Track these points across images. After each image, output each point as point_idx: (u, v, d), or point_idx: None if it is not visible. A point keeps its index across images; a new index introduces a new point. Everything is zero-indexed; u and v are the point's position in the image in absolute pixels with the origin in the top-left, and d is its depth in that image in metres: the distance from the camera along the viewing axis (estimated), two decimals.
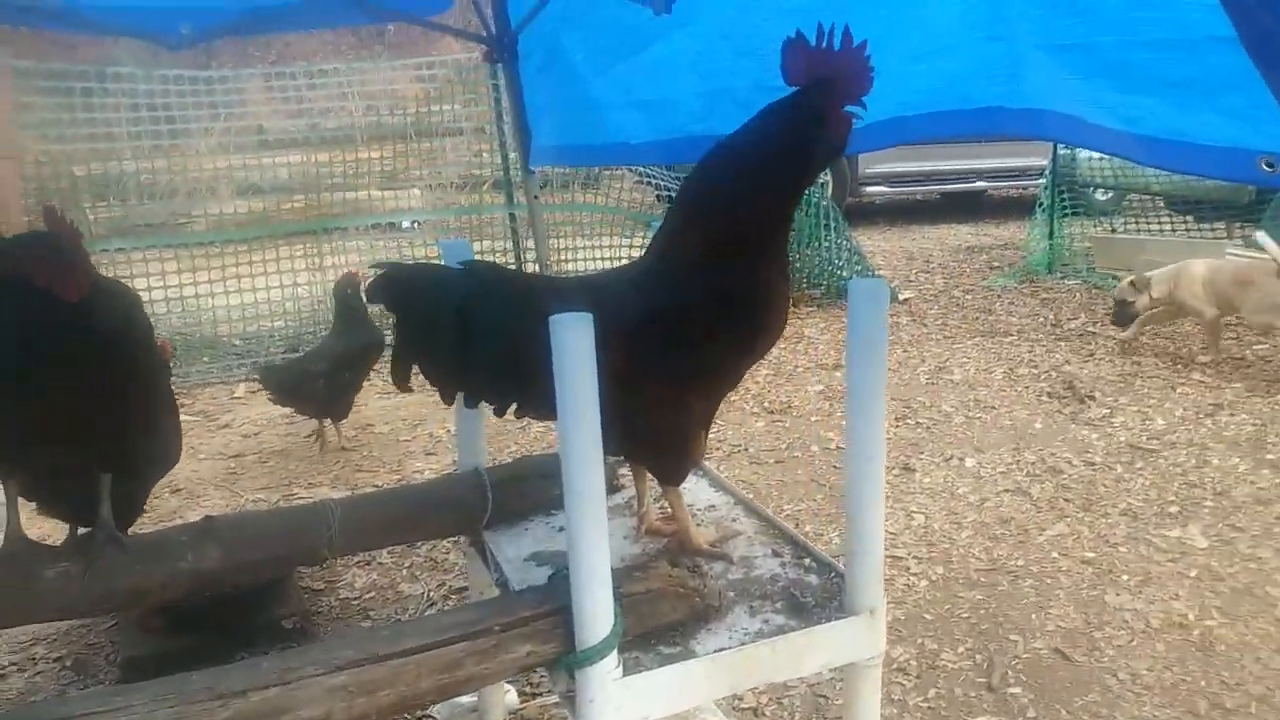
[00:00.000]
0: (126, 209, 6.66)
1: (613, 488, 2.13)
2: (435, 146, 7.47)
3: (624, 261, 7.06)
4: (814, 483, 3.96)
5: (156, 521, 3.48)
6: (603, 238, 7.42)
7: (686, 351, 1.62)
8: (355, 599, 3.17)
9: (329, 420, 4.60)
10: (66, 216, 1.61)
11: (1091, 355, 5.66)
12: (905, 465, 4.08)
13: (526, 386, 1.68)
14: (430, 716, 2.39)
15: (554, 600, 1.48)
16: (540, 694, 2.54)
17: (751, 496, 2.11)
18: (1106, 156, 8.44)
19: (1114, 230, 9.01)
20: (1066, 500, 3.69)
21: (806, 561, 1.79)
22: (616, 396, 1.40)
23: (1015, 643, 2.74)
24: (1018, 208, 11.87)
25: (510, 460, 2.25)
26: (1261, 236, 5.37)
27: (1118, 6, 1.60)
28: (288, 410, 4.80)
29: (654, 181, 8.00)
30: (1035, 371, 5.42)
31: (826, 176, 10.23)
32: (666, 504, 1.89)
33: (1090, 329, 6.23)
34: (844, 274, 7.37)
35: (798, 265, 7.27)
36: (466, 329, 1.69)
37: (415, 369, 1.74)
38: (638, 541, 1.90)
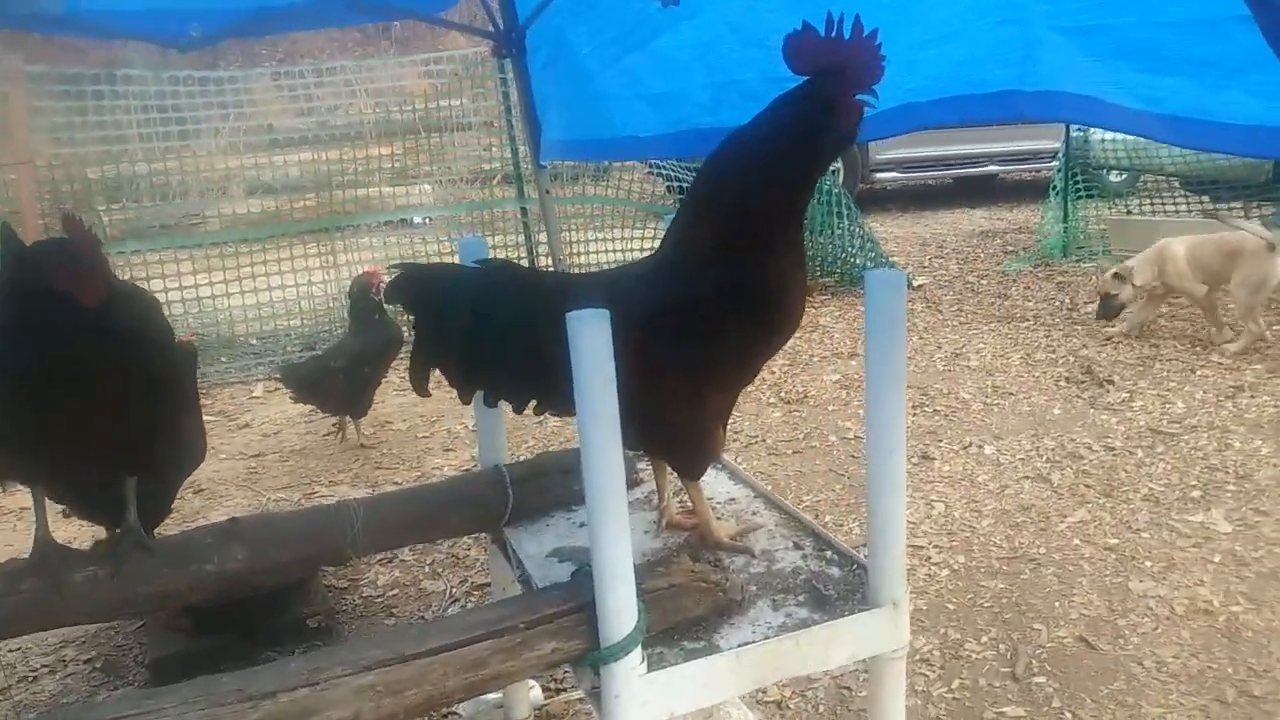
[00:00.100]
0: (140, 210, 6.69)
1: (632, 482, 2.13)
2: (444, 142, 7.47)
3: (636, 253, 7.08)
4: (832, 473, 3.96)
5: (180, 522, 3.50)
6: (614, 230, 7.42)
7: (702, 345, 1.62)
8: (379, 597, 3.18)
9: (349, 416, 4.63)
10: (84, 222, 1.61)
11: (1109, 339, 5.62)
12: (924, 454, 4.07)
13: (545, 384, 1.69)
14: (456, 714, 2.41)
15: (577, 597, 1.48)
16: (565, 689, 2.55)
17: (770, 488, 2.12)
18: (1120, 138, 8.38)
19: (1129, 212, 8.93)
20: (1087, 486, 3.66)
21: (828, 554, 1.79)
22: (634, 392, 1.40)
23: (1039, 631, 2.73)
24: (1031, 191, 11.79)
25: (529, 455, 2.26)
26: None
27: None
28: (307, 409, 4.83)
29: (664, 172, 7.99)
30: (1053, 356, 5.39)
31: (838, 164, 10.19)
32: (687, 498, 1.89)
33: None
34: (857, 261, 7.34)
35: (811, 253, 7.24)
36: (484, 328, 1.70)
37: (435, 371, 1.74)
38: (659, 536, 1.90)
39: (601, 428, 1.33)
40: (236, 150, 7.26)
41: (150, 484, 2.01)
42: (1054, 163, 9.06)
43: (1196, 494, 3.53)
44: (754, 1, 2.31)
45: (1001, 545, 3.24)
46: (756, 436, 4.42)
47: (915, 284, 7.40)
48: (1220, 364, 5.01)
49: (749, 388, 1.79)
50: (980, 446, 4.14)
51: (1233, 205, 8.30)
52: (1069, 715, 2.37)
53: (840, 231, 7.37)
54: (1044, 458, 3.97)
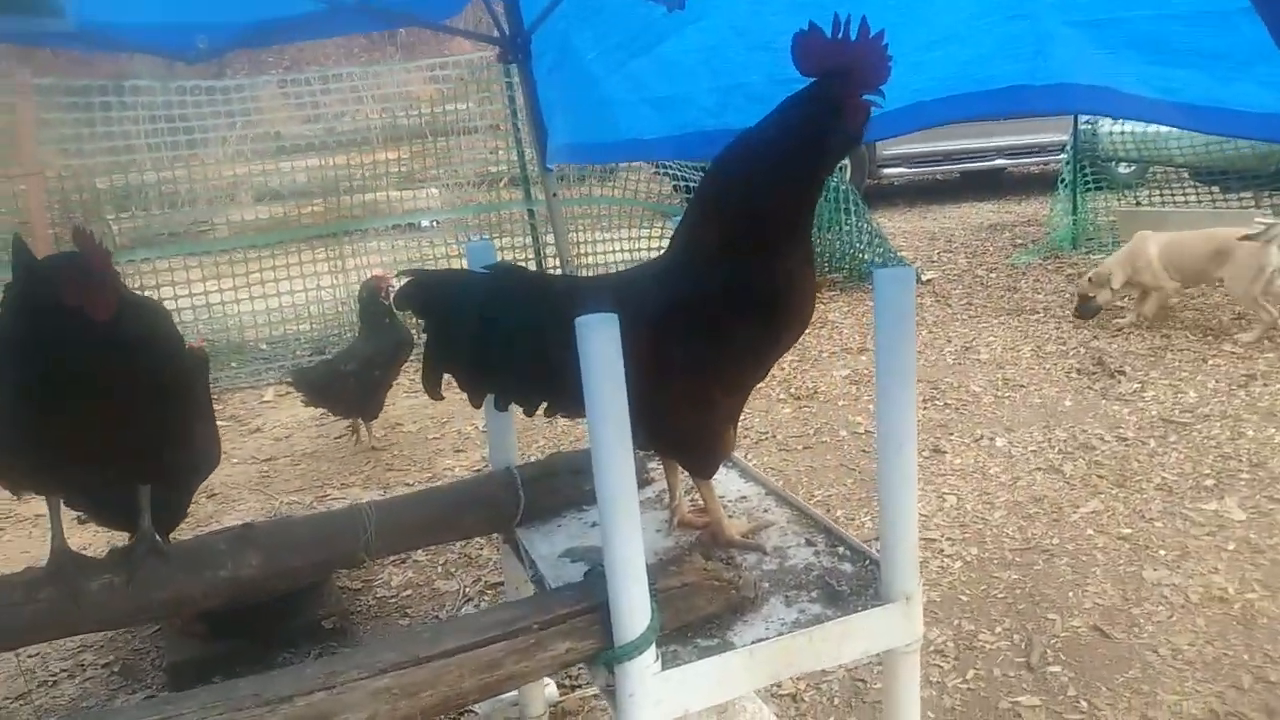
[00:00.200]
0: (149, 219, 6.73)
1: (643, 481, 2.13)
2: (451, 145, 7.49)
3: (644, 253, 7.09)
4: (843, 468, 3.96)
5: (194, 527, 3.53)
6: (621, 230, 7.42)
7: (712, 345, 1.62)
8: (392, 597, 3.20)
9: (361, 419, 4.65)
10: (94, 235, 1.62)
11: (1120, 330, 5.60)
12: (935, 447, 4.07)
13: (555, 387, 1.70)
14: (472, 712, 2.42)
15: (590, 597, 1.49)
16: (580, 686, 2.56)
17: (781, 484, 2.12)
18: (1128, 130, 8.35)
19: (1138, 203, 8.89)
20: (1100, 477, 3.66)
21: (840, 550, 1.79)
22: (645, 392, 1.40)
23: (1053, 621, 2.73)
24: (1039, 184, 11.75)
25: (540, 455, 2.26)
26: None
27: None
28: (318, 412, 4.86)
29: (671, 172, 7.99)
30: (1063, 348, 5.37)
31: (845, 160, 10.16)
32: (698, 496, 1.90)
33: (1118, 303, 6.16)
34: (865, 257, 7.33)
35: (819, 250, 7.23)
36: (493, 332, 1.71)
37: (446, 376, 1.76)
38: (671, 535, 1.90)
39: (612, 430, 1.34)
40: (244, 157, 7.30)
41: (164, 490, 2.03)
42: (1062, 155, 9.02)
43: (1210, 482, 3.52)
44: (759, 5, 2.31)
45: (1014, 536, 3.24)
46: (767, 433, 4.42)
47: (924, 278, 7.39)
48: (1232, 353, 4.99)
49: (759, 385, 1.80)
50: (992, 439, 4.13)
51: (1243, 195, 8.26)
52: (1084, 704, 2.37)
53: (848, 228, 7.36)
54: (1056, 449, 3.96)
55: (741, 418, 1.87)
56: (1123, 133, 8.46)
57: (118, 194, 6.61)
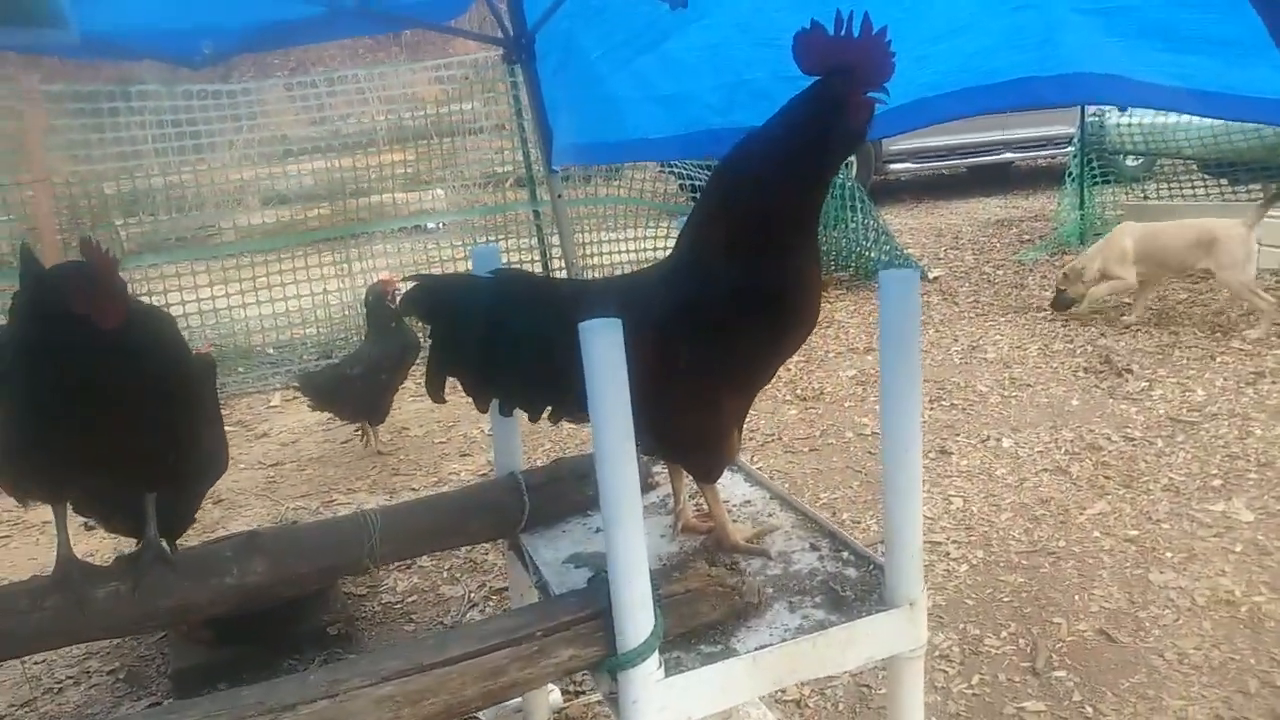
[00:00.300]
0: (156, 224, 6.76)
1: (647, 486, 2.14)
2: (456, 146, 7.49)
3: (650, 252, 7.08)
4: (849, 469, 3.95)
5: (201, 533, 3.54)
6: (627, 229, 7.42)
7: (717, 347, 1.62)
8: (398, 603, 3.21)
9: (369, 422, 4.66)
10: (101, 245, 1.63)
11: (1128, 328, 5.58)
12: (941, 448, 4.06)
13: (559, 392, 1.70)
14: (476, 717, 2.42)
15: (594, 604, 1.49)
16: (584, 692, 2.56)
17: (787, 487, 2.12)
18: (1136, 122, 8.30)
19: (1146, 197, 8.85)
20: (1107, 478, 3.64)
21: (845, 554, 1.79)
22: (649, 396, 1.40)
23: (1059, 625, 2.72)
24: (1047, 178, 11.71)
25: (545, 459, 2.26)
26: None
27: None
28: (324, 417, 4.86)
29: (677, 171, 7.98)
30: (1071, 346, 5.36)
31: (850, 157, 10.13)
32: (702, 501, 1.89)
33: (1126, 300, 6.14)
34: (872, 254, 7.31)
35: (825, 248, 7.22)
36: (498, 338, 1.71)
37: (450, 380, 1.76)
38: (675, 540, 1.90)
39: (616, 435, 1.34)
40: (251, 161, 7.32)
41: (172, 496, 2.03)
42: (1069, 148, 8.98)
43: (1217, 483, 3.50)
44: (763, 2, 2.30)
45: (1020, 539, 3.23)
46: (773, 434, 4.41)
47: (931, 276, 7.37)
48: (1241, 350, 4.96)
49: (765, 387, 1.80)
50: (998, 439, 4.12)
51: (1251, 187, 8.21)
52: (1090, 709, 2.36)
53: (854, 225, 7.34)
54: (1063, 449, 3.95)
55: (747, 420, 1.87)
56: (1130, 125, 8.40)
57: (125, 199, 6.62)
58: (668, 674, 1.45)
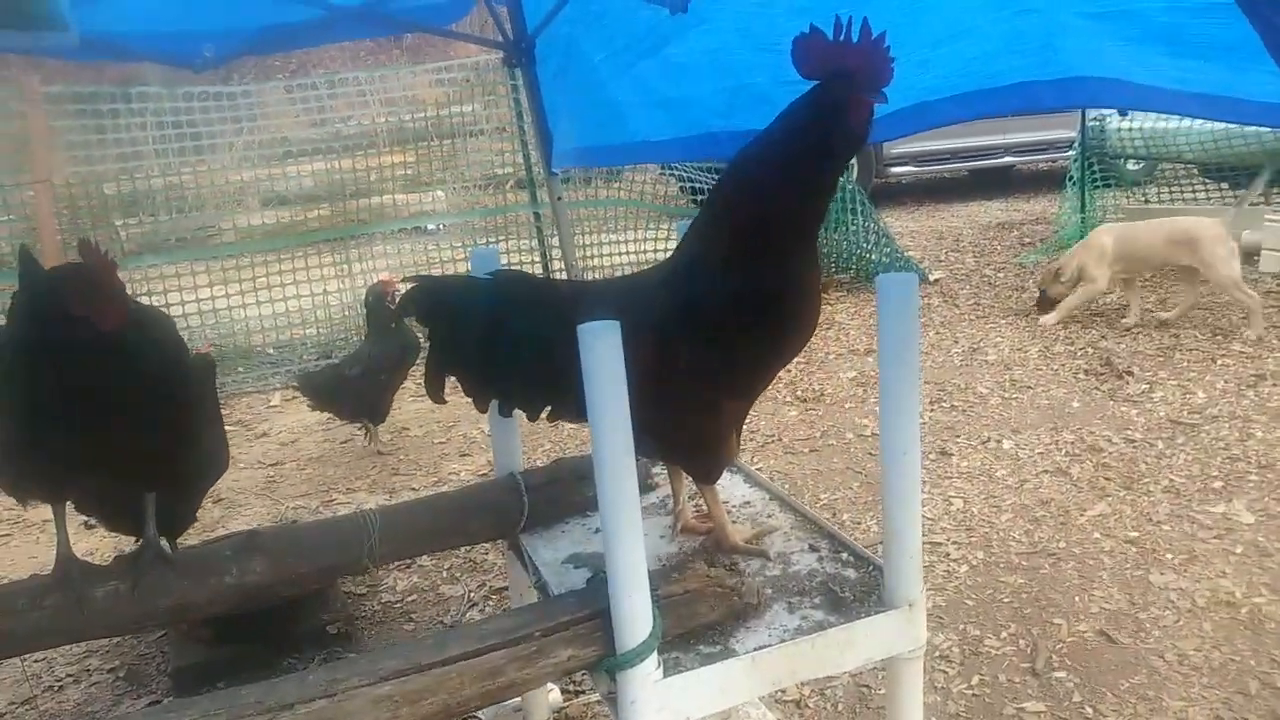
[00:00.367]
0: (156, 225, 6.76)
1: (647, 486, 2.14)
2: (457, 148, 7.50)
3: (650, 254, 7.08)
4: (850, 471, 3.95)
5: (201, 532, 3.54)
6: (627, 231, 7.43)
7: (716, 352, 1.62)
8: (397, 602, 3.21)
9: (370, 422, 4.67)
10: (100, 247, 1.64)
11: (1129, 330, 5.58)
12: (942, 450, 4.06)
13: (559, 393, 1.70)
14: (476, 718, 2.42)
15: (593, 604, 1.49)
16: (583, 692, 2.56)
17: (787, 488, 2.12)
18: (1137, 126, 8.30)
19: (1147, 201, 8.85)
20: (1107, 479, 3.64)
21: (844, 556, 1.79)
22: (649, 398, 1.40)
23: (1059, 626, 2.72)
24: (1048, 181, 11.72)
25: (545, 459, 2.26)
26: None
27: None
28: (324, 417, 4.87)
29: (677, 173, 7.98)
30: (1071, 349, 5.36)
31: (850, 161, 10.12)
32: (702, 502, 1.90)
33: (1126, 302, 6.15)
34: (873, 257, 7.32)
35: (825, 250, 7.22)
36: (497, 339, 1.71)
37: (450, 380, 1.76)
38: (674, 541, 1.90)
39: (614, 436, 1.34)
40: (251, 162, 7.33)
41: (172, 497, 2.03)
42: (1071, 152, 8.98)
43: (1218, 485, 3.50)
44: (763, 6, 2.31)
45: (1021, 540, 3.23)
46: (773, 435, 4.41)
47: (931, 278, 7.37)
48: (1241, 352, 4.96)
49: (765, 389, 1.80)
50: (999, 441, 4.12)
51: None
52: (1089, 710, 2.36)
53: (855, 228, 7.34)
54: (1063, 451, 3.95)
55: (748, 421, 1.87)
56: (1131, 129, 8.40)
57: (125, 200, 6.63)
58: (666, 674, 1.45)
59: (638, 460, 1.39)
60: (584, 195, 7.62)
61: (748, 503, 2.07)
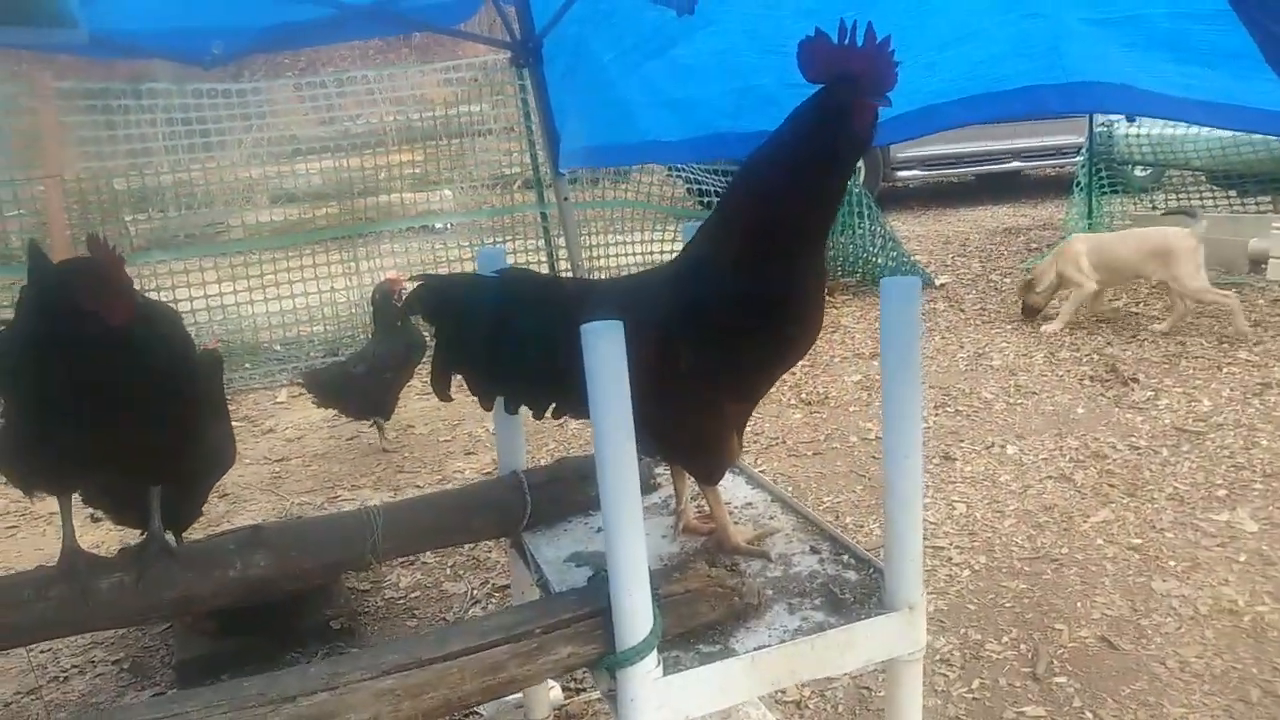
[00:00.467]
0: (165, 220, 6.80)
1: (649, 487, 2.15)
2: (465, 147, 7.53)
3: (656, 255, 7.09)
4: (853, 474, 3.95)
5: (206, 527, 3.55)
6: (634, 233, 7.43)
7: (719, 353, 1.63)
8: (400, 598, 3.22)
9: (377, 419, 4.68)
10: (109, 242, 1.65)
11: (1134, 337, 5.57)
12: (945, 454, 4.06)
13: (564, 390, 1.71)
14: (477, 714, 2.43)
15: (594, 602, 1.50)
16: (584, 689, 2.56)
17: (790, 490, 2.12)
18: (1145, 132, 8.29)
19: (1154, 207, 8.83)
20: (1111, 486, 3.64)
21: (845, 558, 1.79)
22: (651, 398, 1.41)
23: (1060, 632, 2.71)
24: (1055, 187, 11.69)
25: (550, 458, 2.27)
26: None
27: None
28: (330, 414, 4.88)
29: (684, 174, 7.99)
30: (1077, 355, 5.35)
31: (857, 163, 10.11)
32: (704, 502, 1.90)
33: (1133, 309, 6.14)
34: (879, 261, 7.31)
35: (832, 254, 7.22)
36: (503, 337, 1.72)
37: (456, 378, 1.77)
38: (676, 541, 1.91)
39: (617, 436, 1.35)
40: (260, 159, 7.37)
41: (178, 491, 2.05)
42: (1078, 158, 8.96)
43: (1222, 493, 3.50)
44: (770, 9, 2.32)
45: (1023, 545, 3.23)
46: (777, 438, 4.42)
47: (938, 283, 7.36)
48: (1248, 360, 4.95)
49: (769, 391, 1.80)
50: (1003, 446, 4.11)
51: (1260, 199, 8.20)
52: (1090, 715, 2.36)
53: (861, 231, 7.33)
54: (1067, 457, 3.94)
55: (752, 423, 1.88)
56: (1139, 135, 8.39)
57: (135, 196, 6.68)
58: (666, 673, 1.45)
59: (640, 460, 1.40)
60: (591, 196, 7.64)
61: (750, 504, 2.08)
